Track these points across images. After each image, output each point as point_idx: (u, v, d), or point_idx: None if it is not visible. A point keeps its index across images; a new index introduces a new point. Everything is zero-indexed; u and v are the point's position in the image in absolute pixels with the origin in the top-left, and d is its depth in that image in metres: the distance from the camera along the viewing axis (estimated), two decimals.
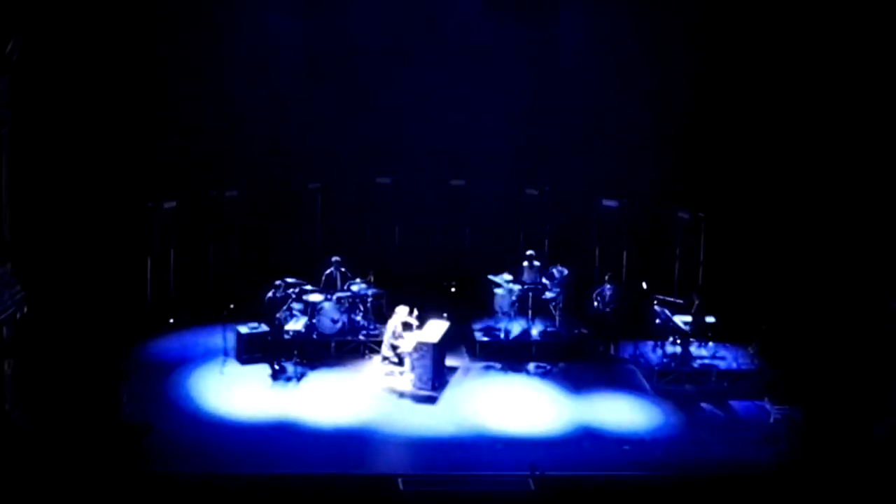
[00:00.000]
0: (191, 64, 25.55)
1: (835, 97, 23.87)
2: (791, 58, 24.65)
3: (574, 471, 19.77)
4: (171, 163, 25.43)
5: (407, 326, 23.43)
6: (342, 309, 24.40)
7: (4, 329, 19.23)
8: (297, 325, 23.82)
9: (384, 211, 28.08)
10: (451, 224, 28.28)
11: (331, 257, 25.04)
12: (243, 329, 23.49)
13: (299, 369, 23.17)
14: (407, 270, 26.79)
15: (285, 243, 27.15)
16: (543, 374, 23.85)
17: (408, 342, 22.95)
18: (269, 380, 22.89)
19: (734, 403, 22.72)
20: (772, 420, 21.71)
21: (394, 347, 23.32)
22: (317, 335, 24.03)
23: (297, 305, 24.08)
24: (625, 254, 27.09)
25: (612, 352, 24.74)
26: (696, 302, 23.93)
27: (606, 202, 27.09)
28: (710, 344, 24.00)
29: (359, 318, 24.66)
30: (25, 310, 19.59)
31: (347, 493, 18.95)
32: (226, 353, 23.63)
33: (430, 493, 19.02)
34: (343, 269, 24.91)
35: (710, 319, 23.83)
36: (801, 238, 24.56)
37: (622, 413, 22.11)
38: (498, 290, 25.54)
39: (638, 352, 24.27)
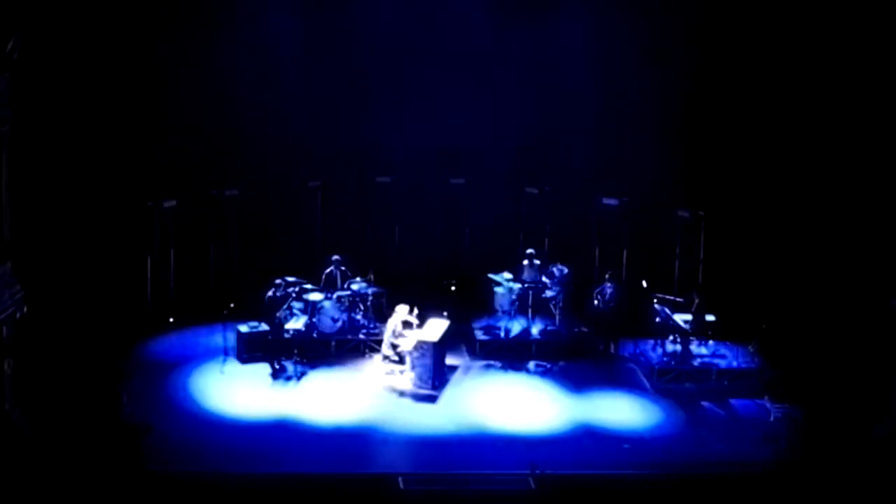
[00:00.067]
0: (191, 64, 25.54)
1: (835, 96, 23.90)
2: (791, 57, 24.66)
3: (574, 469, 19.78)
4: (171, 162, 25.42)
5: (407, 325, 23.44)
6: (342, 308, 24.41)
7: (4, 329, 19.24)
8: (297, 323, 23.85)
9: (384, 210, 28.07)
10: (451, 223, 28.28)
11: (331, 256, 25.05)
12: (243, 328, 23.49)
13: (299, 368, 23.18)
14: (407, 269, 26.79)
15: (285, 243, 27.15)
16: (543, 373, 23.86)
17: (408, 341, 22.95)
18: (270, 379, 22.90)
19: (734, 402, 22.72)
20: (772, 418, 21.71)
21: (394, 346, 23.32)
22: (317, 334, 24.04)
23: (297, 304, 24.11)
24: (625, 252, 27.07)
25: (612, 350, 24.74)
26: (697, 300, 23.92)
27: (606, 201, 27.07)
28: (711, 342, 24.02)
29: (359, 316, 24.66)
30: (25, 309, 19.61)
31: (348, 492, 18.95)
32: (226, 353, 23.64)
33: (430, 491, 19.01)
34: (343, 268, 24.93)
35: (710, 318, 23.83)
36: (801, 237, 24.58)
37: (622, 411, 22.13)
38: (498, 289, 25.54)
39: (638, 350, 24.28)
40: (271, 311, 23.46)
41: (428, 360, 22.52)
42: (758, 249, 25.41)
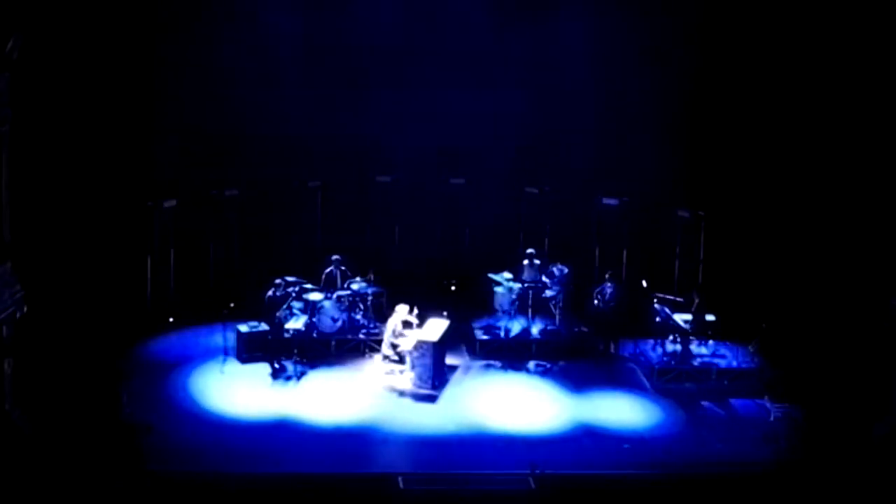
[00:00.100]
0: (191, 64, 25.55)
1: (834, 96, 23.89)
2: (791, 57, 24.66)
3: (574, 469, 19.77)
4: (171, 162, 25.43)
5: (407, 325, 23.44)
6: (342, 307, 24.40)
7: (4, 329, 19.23)
8: (297, 323, 23.84)
9: (384, 210, 28.08)
10: (451, 223, 28.28)
11: (331, 256, 25.05)
12: (243, 328, 23.49)
13: (299, 368, 23.18)
14: (407, 269, 26.79)
15: (285, 243, 27.15)
16: (543, 373, 23.86)
17: (408, 341, 22.95)
18: (270, 379, 22.90)
19: (734, 402, 22.72)
20: (772, 418, 21.69)
21: (394, 346, 23.32)
22: (317, 334, 24.04)
23: (297, 304, 24.10)
24: (625, 252, 27.07)
25: (612, 350, 24.74)
26: (697, 300, 23.92)
27: (606, 200, 27.08)
28: (711, 342, 24.02)
29: (359, 316, 24.66)
30: (25, 309, 19.60)
31: (348, 492, 18.93)
32: (226, 352, 23.64)
33: (430, 491, 19.00)
34: (343, 268, 24.93)
35: (710, 318, 23.82)
36: (800, 236, 24.57)
37: (622, 411, 22.12)
38: (498, 289, 25.54)
39: (638, 350, 24.28)
40: (271, 311, 23.47)
41: (428, 360, 22.52)
42: (758, 249, 25.41)
